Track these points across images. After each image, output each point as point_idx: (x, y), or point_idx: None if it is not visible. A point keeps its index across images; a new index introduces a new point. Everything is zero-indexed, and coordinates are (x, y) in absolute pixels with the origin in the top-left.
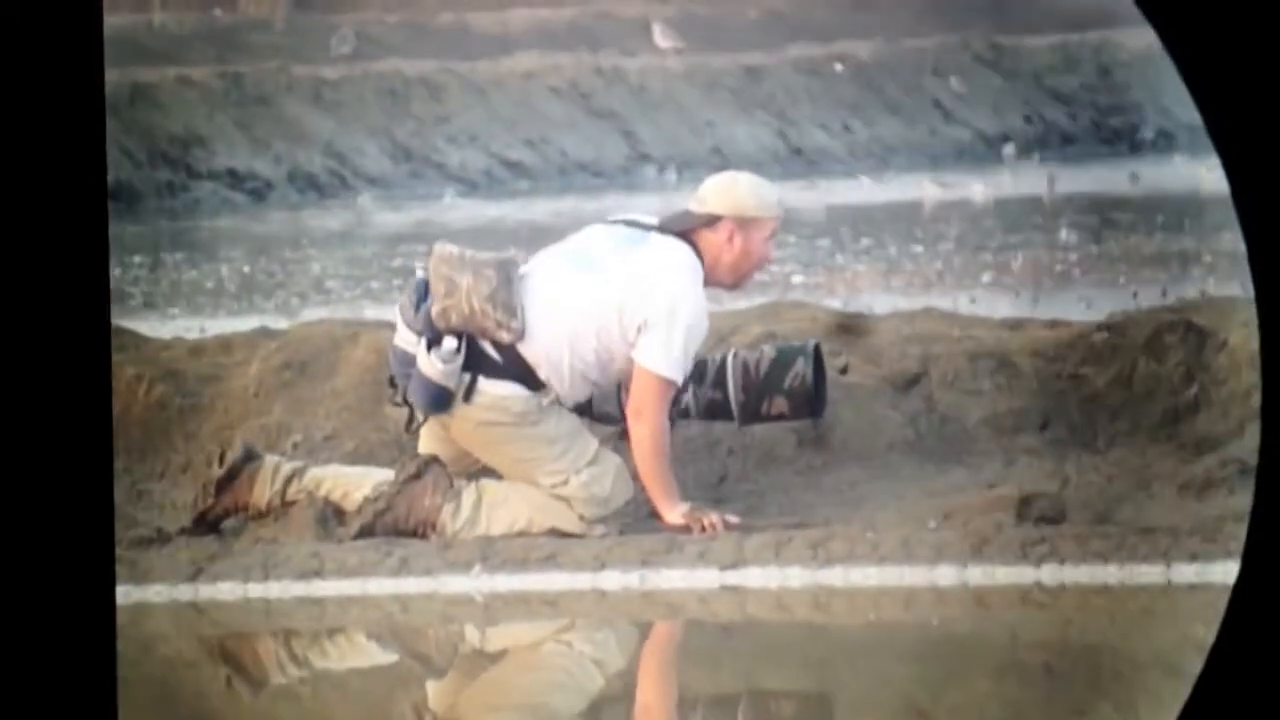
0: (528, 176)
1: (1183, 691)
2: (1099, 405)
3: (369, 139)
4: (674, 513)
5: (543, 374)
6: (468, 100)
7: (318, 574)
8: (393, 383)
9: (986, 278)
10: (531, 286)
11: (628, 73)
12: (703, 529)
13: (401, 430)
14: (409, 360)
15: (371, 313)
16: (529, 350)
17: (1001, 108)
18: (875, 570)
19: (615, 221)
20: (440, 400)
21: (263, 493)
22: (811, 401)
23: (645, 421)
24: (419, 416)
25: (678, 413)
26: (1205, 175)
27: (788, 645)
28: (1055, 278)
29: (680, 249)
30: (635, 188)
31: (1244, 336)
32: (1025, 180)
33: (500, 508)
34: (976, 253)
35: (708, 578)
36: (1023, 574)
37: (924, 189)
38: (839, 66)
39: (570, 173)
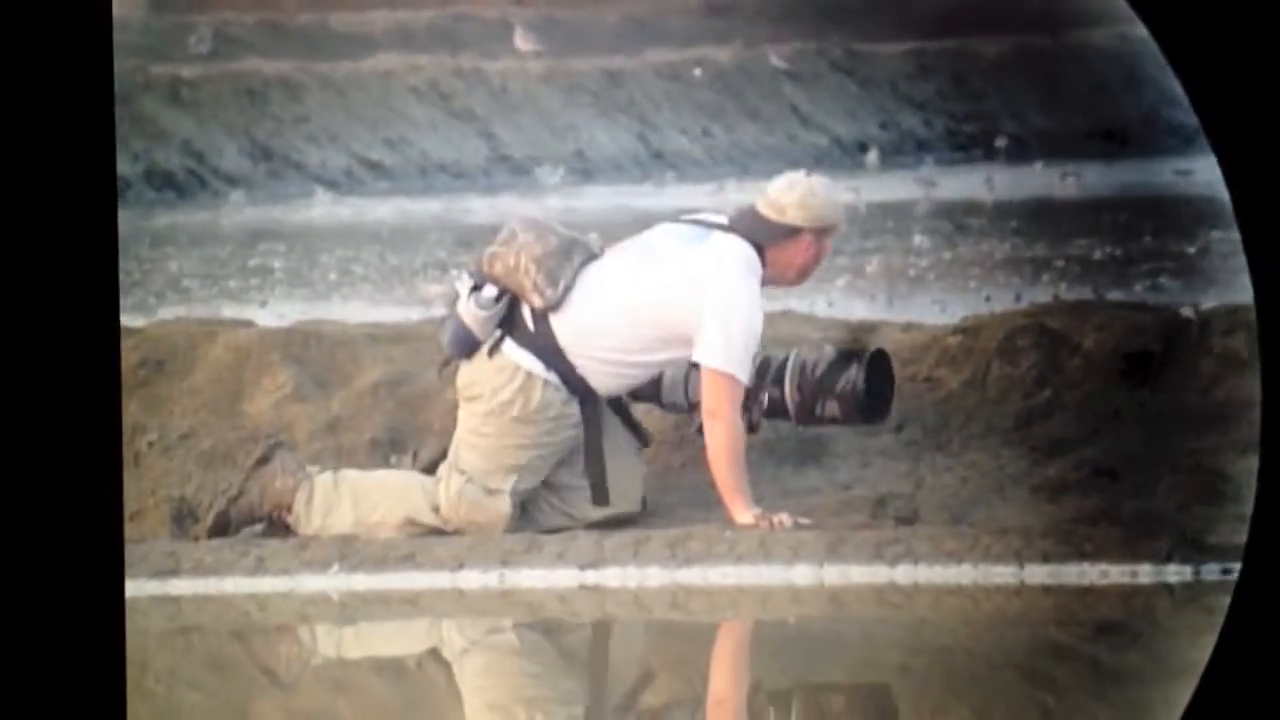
0: (388, 177)
1: (1037, 694)
2: (953, 407)
3: (227, 138)
4: (745, 515)
5: (571, 355)
6: (327, 100)
7: (173, 573)
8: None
9: (842, 281)
10: (588, 272)
11: (488, 75)
12: (771, 527)
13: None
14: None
15: (229, 311)
16: (561, 325)
17: (858, 114)
18: (733, 569)
19: (685, 220)
20: (465, 344)
21: (206, 506)
22: (863, 407)
23: (720, 421)
24: (445, 356)
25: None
26: (1058, 182)
27: (647, 643)
28: (909, 282)
29: (739, 246)
30: (496, 188)
31: (1097, 340)
32: (881, 185)
33: (359, 499)
34: (833, 256)
35: (567, 577)
36: (877, 573)
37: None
38: (698, 71)
39: (431, 173)
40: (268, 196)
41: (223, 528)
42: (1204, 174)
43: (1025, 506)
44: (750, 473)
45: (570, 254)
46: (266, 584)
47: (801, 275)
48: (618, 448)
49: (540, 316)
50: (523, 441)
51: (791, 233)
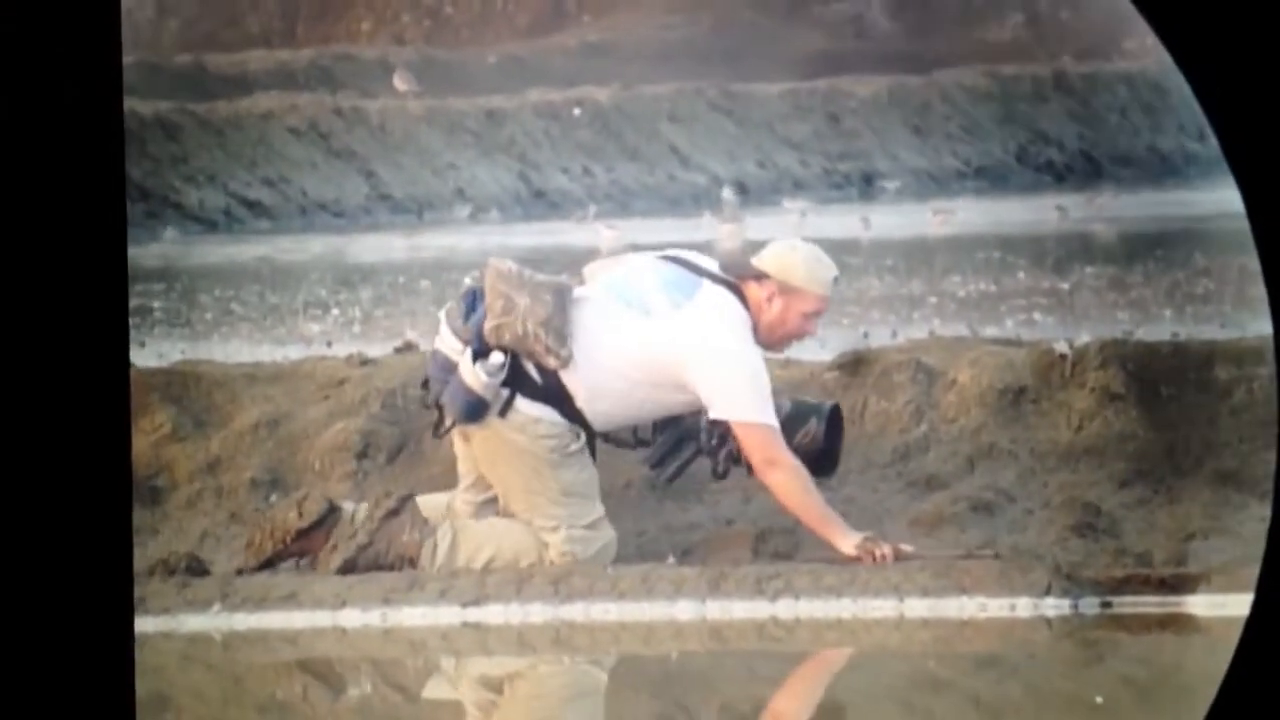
0: (267, 216)
1: None
2: None
3: None
4: (846, 543)
5: (580, 402)
6: (204, 140)
7: None
8: (426, 385)
9: None
10: (581, 318)
11: (368, 113)
12: (874, 559)
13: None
14: (449, 366)
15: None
16: (570, 378)
17: (736, 154)
18: (615, 606)
19: (665, 258)
20: (476, 411)
21: (331, 547)
22: (820, 460)
23: (781, 467)
24: (448, 422)
25: (694, 453)
26: (931, 219)
27: (531, 679)
28: None
29: (728, 302)
30: (377, 227)
31: (972, 375)
32: (761, 224)
33: (477, 549)
34: None
35: (449, 614)
36: (758, 608)
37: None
38: (578, 111)
39: (311, 212)
40: (145, 236)
41: (349, 570)
42: (1079, 210)
43: (903, 540)
44: (633, 509)
45: (565, 306)
46: (148, 624)
47: (768, 335)
48: None
49: (549, 371)
50: (579, 474)
51: (759, 276)
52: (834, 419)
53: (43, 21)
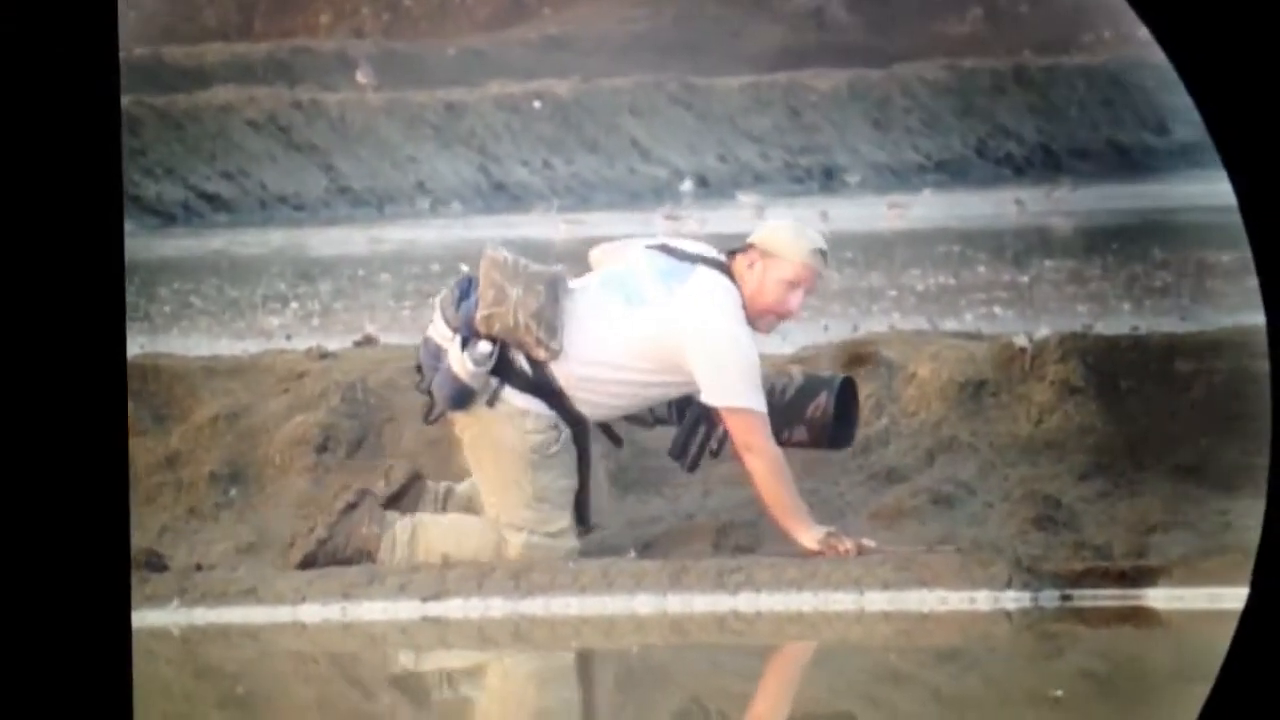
0: (226, 209)
1: None
2: None
3: None
4: (808, 537)
5: (571, 394)
6: (163, 133)
7: None
8: (420, 370)
9: None
10: (574, 310)
11: (328, 106)
12: (837, 554)
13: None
14: (439, 353)
15: None
16: (560, 370)
17: (696, 147)
18: (576, 600)
19: (654, 247)
20: (463, 399)
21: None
22: (830, 434)
23: (757, 453)
24: (437, 410)
25: (706, 433)
26: (887, 213)
27: (490, 674)
28: None
29: (719, 283)
30: (337, 220)
31: (932, 369)
32: (715, 218)
33: (436, 544)
34: None
35: (409, 609)
36: (720, 602)
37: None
38: (538, 104)
39: (270, 205)
40: None
41: (310, 564)
42: (1037, 204)
43: (864, 534)
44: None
45: (558, 298)
46: None
47: (752, 307)
48: (594, 462)
49: (539, 363)
50: (556, 480)
51: (745, 247)
52: (844, 392)
53: (40, 17)
